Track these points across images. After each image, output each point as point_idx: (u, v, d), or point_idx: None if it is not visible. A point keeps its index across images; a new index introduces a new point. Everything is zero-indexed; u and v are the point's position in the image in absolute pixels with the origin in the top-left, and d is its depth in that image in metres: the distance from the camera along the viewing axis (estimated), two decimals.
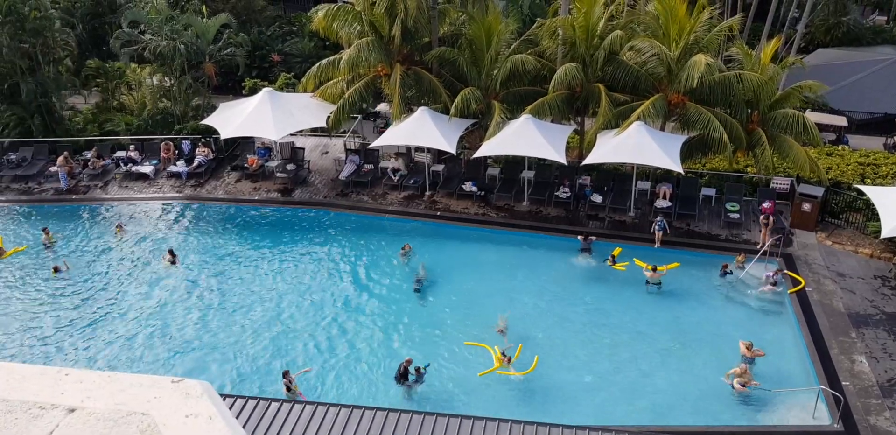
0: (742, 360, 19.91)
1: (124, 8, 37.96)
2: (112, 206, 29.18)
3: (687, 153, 26.71)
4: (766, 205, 25.82)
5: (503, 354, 20.02)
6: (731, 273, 23.82)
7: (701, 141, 26.68)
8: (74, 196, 29.70)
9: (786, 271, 23.66)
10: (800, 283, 23.07)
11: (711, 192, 27.39)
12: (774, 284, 23.00)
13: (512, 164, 29.19)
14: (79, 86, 34.97)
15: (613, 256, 24.25)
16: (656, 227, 25.25)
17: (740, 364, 19.57)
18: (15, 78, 31.41)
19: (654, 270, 23.25)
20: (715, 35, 27.12)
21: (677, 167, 24.76)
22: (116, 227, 27.48)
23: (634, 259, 24.06)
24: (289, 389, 18.95)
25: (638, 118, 25.56)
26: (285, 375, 19.14)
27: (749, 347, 20.02)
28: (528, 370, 19.74)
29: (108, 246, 26.81)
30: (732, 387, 19.14)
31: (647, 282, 23.42)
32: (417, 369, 19.57)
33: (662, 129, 27.24)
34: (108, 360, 20.93)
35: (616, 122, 26.56)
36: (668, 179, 27.70)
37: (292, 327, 22.38)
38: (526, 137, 26.15)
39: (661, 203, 26.91)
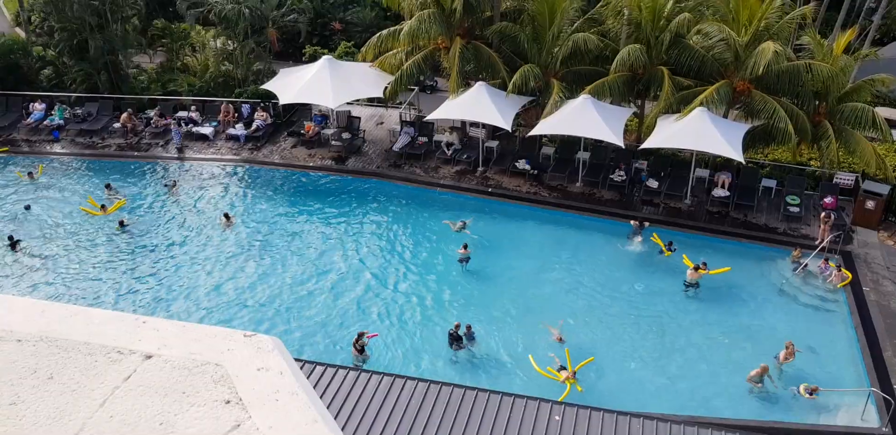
0: (775, 361, 19.53)
1: None
2: (171, 165, 29.79)
3: (749, 142, 26.08)
4: (827, 200, 25.15)
5: (562, 368, 19.47)
6: (802, 265, 23.20)
7: (764, 131, 26.00)
8: (136, 153, 30.36)
9: (833, 265, 23.01)
10: (847, 277, 22.59)
11: (772, 183, 26.73)
12: (825, 277, 22.59)
13: (567, 144, 28.87)
14: (145, 45, 35.54)
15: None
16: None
17: (762, 364, 19.10)
18: (84, 34, 31.99)
19: (696, 269, 22.45)
20: (786, 22, 26.26)
21: (738, 156, 24.20)
22: (171, 185, 28.08)
23: (684, 256, 23.46)
24: (360, 351, 19.27)
25: (701, 104, 25.00)
26: (360, 336, 19.51)
27: (789, 353, 19.56)
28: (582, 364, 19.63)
29: (165, 203, 27.44)
30: (798, 393, 18.79)
31: (686, 283, 22.58)
32: (468, 327, 20.03)
33: (725, 116, 26.62)
34: (166, 312, 21.65)
35: (678, 106, 26.03)
36: (728, 168, 27.09)
37: (341, 293, 22.77)
38: (584, 118, 25.78)
39: (719, 192, 26.37)
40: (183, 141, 30.62)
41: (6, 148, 30.71)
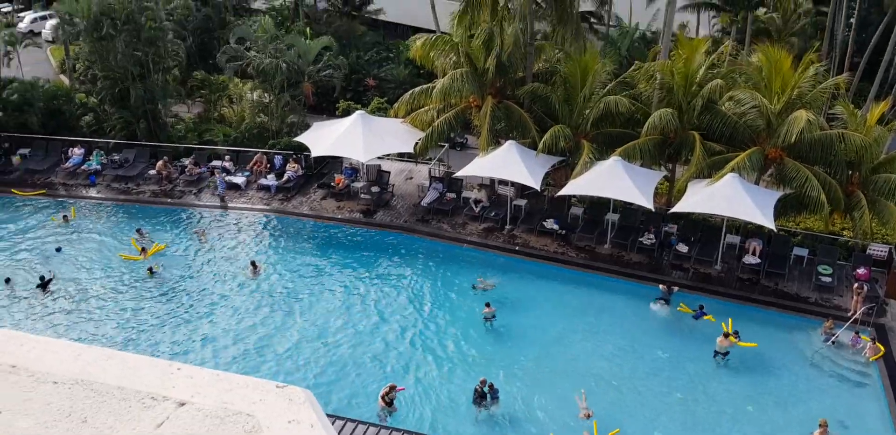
0: None
1: (233, 25, 39.57)
2: (202, 212, 30.14)
3: (781, 210, 25.84)
4: (860, 271, 24.70)
5: None
6: (833, 337, 22.69)
7: (796, 199, 25.79)
8: (169, 200, 30.80)
9: (866, 337, 22.43)
10: (880, 350, 21.96)
11: (804, 252, 26.35)
12: (858, 349, 21.98)
13: (596, 206, 28.83)
14: (184, 95, 36.49)
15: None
16: None
17: None
18: (126, 83, 32.93)
19: (726, 336, 21.96)
20: (820, 92, 26.36)
21: (770, 223, 23.96)
22: (200, 232, 28.34)
23: (712, 318, 23.04)
24: (389, 403, 19.00)
25: (732, 170, 24.95)
26: (391, 389, 19.34)
27: (824, 432, 18.88)
28: None
29: (196, 251, 27.67)
30: None
31: (715, 351, 22.00)
32: (491, 386, 19.73)
33: (757, 183, 26.49)
34: (193, 359, 21.56)
35: (709, 171, 25.98)
36: (759, 235, 26.80)
37: (363, 347, 22.62)
38: (614, 179, 25.80)
39: (750, 259, 26.00)
40: (214, 189, 31.00)
41: (44, 191, 31.32)
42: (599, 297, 25.02)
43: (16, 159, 32.95)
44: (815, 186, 24.48)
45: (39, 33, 47.67)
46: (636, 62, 30.83)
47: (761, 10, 40.24)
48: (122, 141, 33.53)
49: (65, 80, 40.93)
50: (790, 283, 25.44)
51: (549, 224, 27.98)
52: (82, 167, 32.47)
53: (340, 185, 30.79)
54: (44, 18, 49.16)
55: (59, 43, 42.33)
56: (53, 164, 32.83)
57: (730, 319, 23.04)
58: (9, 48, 36.13)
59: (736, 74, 28.30)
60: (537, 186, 26.84)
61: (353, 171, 31.84)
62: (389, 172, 31.71)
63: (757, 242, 26.44)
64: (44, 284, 25.05)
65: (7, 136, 33.61)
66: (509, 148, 27.52)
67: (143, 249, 26.99)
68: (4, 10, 50.74)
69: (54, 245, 27.57)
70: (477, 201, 29.49)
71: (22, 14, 51.38)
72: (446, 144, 32.67)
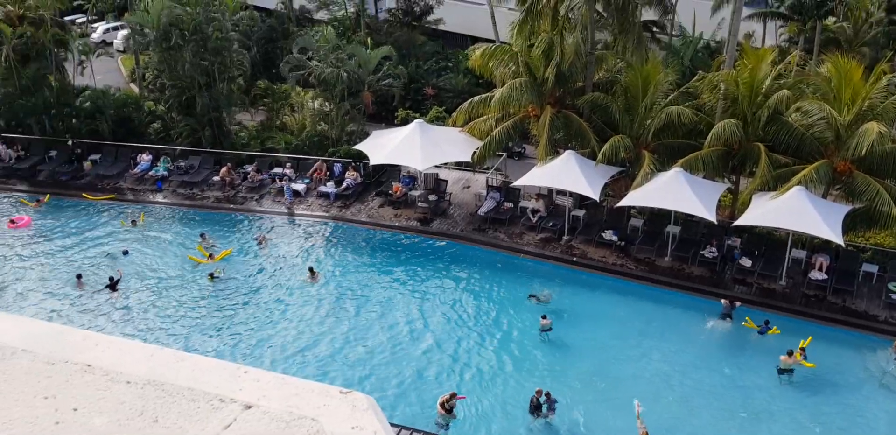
0: None
1: (296, 35, 40.25)
2: (263, 219, 30.68)
3: (849, 225, 25.02)
4: None
5: None
6: None
7: (866, 213, 24.95)
8: (231, 205, 31.47)
9: None
10: None
11: (874, 268, 25.44)
12: None
13: (657, 217, 28.36)
14: (247, 104, 37.29)
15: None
16: None
17: None
18: (192, 92, 33.80)
19: (790, 354, 21.34)
20: (892, 103, 25.52)
21: (838, 238, 23.22)
22: (261, 238, 28.84)
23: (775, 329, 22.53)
24: (448, 411, 19.13)
25: (799, 183, 24.29)
26: (452, 396, 19.41)
27: None
28: None
29: (256, 256, 28.16)
30: None
31: (779, 369, 21.44)
32: (548, 395, 19.57)
33: (824, 196, 25.74)
34: (249, 364, 21.84)
35: (774, 184, 25.33)
36: (826, 250, 26.00)
37: (418, 354, 22.68)
38: (675, 191, 25.36)
39: (816, 275, 25.22)
40: (275, 196, 31.54)
41: (113, 195, 32.33)
42: (659, 310, 24.56)
43: (87, 165, 34.11)
44: (887, 201, 23.66)
45: (111, 43, 49.40)
46: (699, 72, 30.33)
47: (831, 20, 39.20)
48: (188, 148, 34.41)
49: (134, 88, 42.27)
50: (858, 300, 24.59)
51: (608, 235, 27.63)
52: (150, 173, 33.43)
53: (398, 193, 30.99)
54: (116, 29, 50.89)
55: (130, 52, 43.75)
56: (122, 170, 33.88)
57: (809, 338, 22.32)
58: (83, 57, 37.47)
59: (803, 85, 27.58)
60: (596, 197, 26.55)
61: (411, 179, 32.02)
62: (447, 181, 31.79)
63: (824, 258, 25.64)
64: (112, 285, 25.87)
65: (79, 142, 34.84)
66: (568, 158, 27.31)
67: (211, 255, 27.56)
68: (79, 21, 52.72)
69: (121, 248, 28.37)
70: (534, 211, 29.32)
71: (95, 25, 53.34)
72: (504, 154, 32.60)
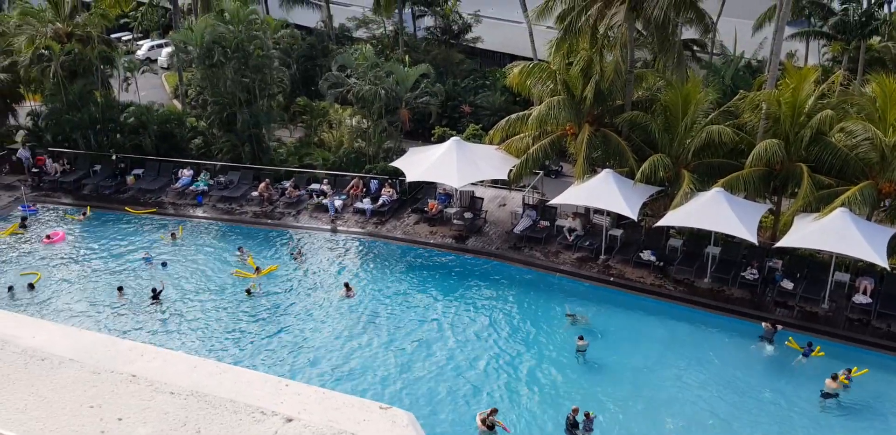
0: None
1: (335, 53, 40.75)
2: (299, 234, 30.90)
3: (895, 247, 24.43)
4: None
5: None
6: None
7: None
8: (269, 221, 31.76)
9: None
10: None
11: None
12: None
13: (696, 238, 27.95)
14: (286, 120, 37.76)
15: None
16: None
17: None
18: (233, 108, 34.33)
19: (834, 378, 20.84)
20: None
21: (882, 262, 22.67)
22: (297, 254, 29.02)
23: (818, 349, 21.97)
24: (490, 427, 19.01)
25: (842, 204, 23.82)
26: (493, 413, 19.26)
27: None
28: None
29: (293, 271, 28.33)
30: None
31: (823, 393, 20.91)
32: (587, 414, 19.36)
33: (869, 218, 25.18)
34: (286, 377, 21.92)
35: (817, 205, 24.87)
36: (871, 274, 25.37)
37: (452, 371, 22.56)
38: (715, 211, 25.00)
39: (861, 298, 24.61)
40: (312, 211, 31.75)
41: (154, 209, 32.86)
42: (698, 332, 24.14)
43: (130, 179, 34.74)
44: None
45: (156, 60, 50.50)
46: (741, 91, 30.03)
47: (875, 39, 38.62)
48: (228, 163, 34.89)
49: (177, 104, 43.10)
50: None
51: (646, 255, 27.30)
52: (190, 188, 33.91)
53: (434, 210, 31.03)
54: (160, 46, 52.08)
55: (174, 69, 44.69)
56: (164, 185, 34.44)
57: (865, 370, 21.70)
58: (128, 74, 38.31)
59: (847, 105, 27.15)
60: (634, 216, 26.28)
61: (447, 196, 32.04)
62: (483, 199, 31.76)
63: (868, 281, 25.03)
64: (155, 295, 26.23)
65: (123, 156, 35.53)
66: (606, 176, 27.12)
67: (258, 268, 27.81)
68: (125, 38, 54.05)
69: (161, 260, 28.75)
70: (571, 230, 29.11)
71: (140, 42, 54.66)
72: (541, 172, 32.50)
